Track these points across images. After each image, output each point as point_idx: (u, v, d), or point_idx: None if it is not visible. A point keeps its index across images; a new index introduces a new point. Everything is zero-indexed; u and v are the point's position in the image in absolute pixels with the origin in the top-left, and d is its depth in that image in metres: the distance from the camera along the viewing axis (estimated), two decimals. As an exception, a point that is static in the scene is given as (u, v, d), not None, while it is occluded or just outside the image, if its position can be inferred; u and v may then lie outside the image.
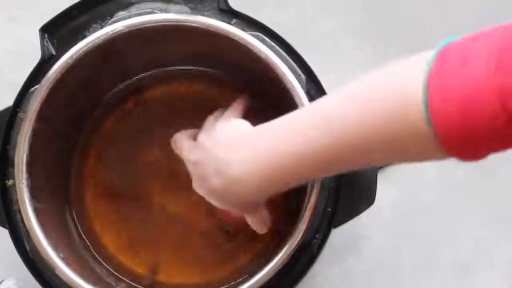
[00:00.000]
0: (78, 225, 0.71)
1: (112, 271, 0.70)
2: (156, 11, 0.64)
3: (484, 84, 0.40)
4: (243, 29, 0.63)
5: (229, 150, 0.54)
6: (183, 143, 0.62)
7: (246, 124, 0.57)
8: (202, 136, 0.59)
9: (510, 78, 0.39)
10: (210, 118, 0.62)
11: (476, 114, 0.40)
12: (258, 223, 0.61)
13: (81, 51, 0.62)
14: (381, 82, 0.47)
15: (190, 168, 0.59)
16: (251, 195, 0.55)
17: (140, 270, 0.71)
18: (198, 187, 0.58)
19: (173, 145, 0.64)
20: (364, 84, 0.48)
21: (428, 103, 0.42)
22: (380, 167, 0.78)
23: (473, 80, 0.40)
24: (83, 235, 0.71)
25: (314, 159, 0.49)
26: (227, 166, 0.53)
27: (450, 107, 0.41)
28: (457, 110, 0.41)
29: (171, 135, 0.72)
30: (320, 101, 0.50)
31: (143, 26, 0.63)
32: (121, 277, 0.70)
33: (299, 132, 0.49)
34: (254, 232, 0.62)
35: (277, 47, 0.63)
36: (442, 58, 0.42)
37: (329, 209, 0.62)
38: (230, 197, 0.55)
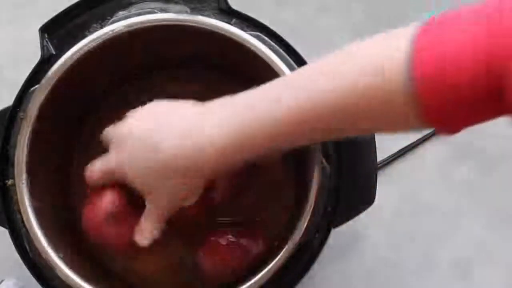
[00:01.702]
0: (78, 225, 0.71)
1: (112, 271, 0.70)
2: (156, 11, 0.64)
3: (470, 42, 0.39)
4: (243, 29, 0.63)
5: (199, 116, 0.51)
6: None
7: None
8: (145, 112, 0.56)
9: (502, 40, 0.38)
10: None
11: (457, 73, 0.40)
12: (147, 230, 0.58)
13: (81, 51, 0.62)
14: (367, 45, 0.46)
15: (114, 141, 0.57)
16: (211, 165, 0.51)
17: (137, 269, 0.71)
18: (128, 163, 0.55)
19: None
20: (348, 51, 0.47)
21: (410, 60, 0.41)
22: (380, 167, 0.78)
23: (459, 37, 0.40)
24: (82, 235, 0.71)
25: (287, 122, 0.47)
26: (198, 129, 0.50)
27: (431, 63, 0.41)
28: (438, 67, 0.40)
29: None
30: (297, 71, 0.50)
31: (143, 26, 0.63)
32: (120, 277, 0.70)
33: (275, 97, 0.48)
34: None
35: (277, 47, 0.63)
36: (429, 22, 0.43)
37: (329, 209, 0.62)
38: (174, 172, 0.52)
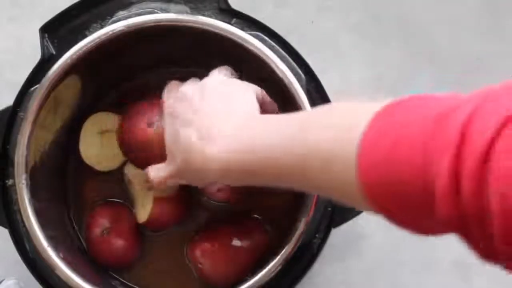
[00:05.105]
0: (77, 225, 0.71)
1: (111, 271, 0.70)
2: (156, 10, 0.64)
3: (415, 139, 0.37)
4: (243, 29, 0.63)
5: (219, 125, 0.51)
6: (172, 88, 0.60)
7: (250, 97, 0.55)
8: (190, 88, 0.56)
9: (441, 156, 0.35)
10: (174, 84, 0.61)
11: (400, 169, 0.38)
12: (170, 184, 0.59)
13: (81, 51, 0.62)
14: (338, 115, 0.46)
15: (166, 117, 0.57)
16: (211, 177, 0.53)
17: (137, 269, 0.71)
18: (168, 140, 0.56)
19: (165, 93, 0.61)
20: (321, 112, 0.48)
21: (361, 142, 0.40)
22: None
23: (405, 131, 0.38)
24: (82, 235, 0.71)
25: (266, 170, 0.48)
26: (210, 144, 0.50)
27: (371, 167, 0.39)
28: (382, 157, 0.39)
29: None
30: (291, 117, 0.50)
31: (143, 26, 0.63)
32: (119, 277, 0.70)
33: (265, 147, 0.48)
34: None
35: (277, 47, 0.63)
36: (393, 103, 0.41)
37: (329, 209, 0.62)
38: (190, 168, 0.53)
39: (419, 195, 0.37)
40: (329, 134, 0.44)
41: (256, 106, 0.54)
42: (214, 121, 0.52)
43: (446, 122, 0.36)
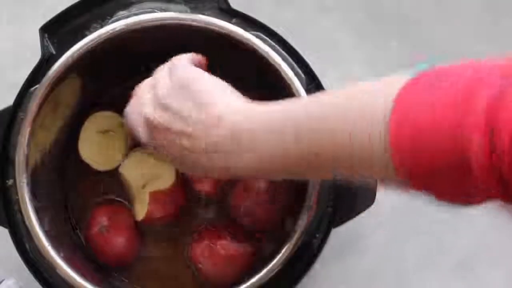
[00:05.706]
0: (77, 224, 0.71)
1: (112, 270, 0.70)
2: (156, 10, 0.64)
3: (443, 111, 0.38)
4: (243, 29, 0.63)
5: (212, 128, 0.49)
6: (143, 95, 0.54)
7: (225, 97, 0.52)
8: (165, 93, 0.52)
9: (473, 119, 0.37)
10: (145, 85, 0.56)
11: (428, 142, 0.39)
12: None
13: (81, 51, 0.62)
14: (357, 93, 0.45)
15: (147, 131, 0.53)
16: (221, 175, 0.52)
17: (136, 269, 0.71)
18: (167, 155, 0.53)
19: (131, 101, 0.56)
20: (338, 95, 0.47)
21: (389, 120, 0.40)
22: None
23: (433, 105, 0.39)
24: (82, 235, 0.71)
25: (282, 162, 0.47)
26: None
27: (405, 127, 0.40)
28: (410, 133, 0.40)
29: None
30: (296, 104, 0.49)
31: (144, 25, 0.63)
32: (119, 277, 0.70)
33: (275, 131, 0.47)
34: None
35: (277, 47, 0.63)
36: (417, 77, 0.41)
37: (329, 209, 0.62)
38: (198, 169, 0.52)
39: (454, 164, 0.38)
40: (359, 100, 0.43)
41: (234, 96, 0.52)
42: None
43: (473, 101, 0.37)
